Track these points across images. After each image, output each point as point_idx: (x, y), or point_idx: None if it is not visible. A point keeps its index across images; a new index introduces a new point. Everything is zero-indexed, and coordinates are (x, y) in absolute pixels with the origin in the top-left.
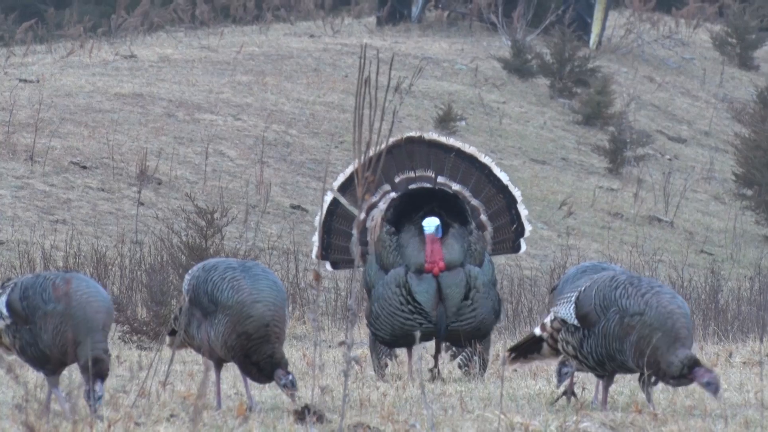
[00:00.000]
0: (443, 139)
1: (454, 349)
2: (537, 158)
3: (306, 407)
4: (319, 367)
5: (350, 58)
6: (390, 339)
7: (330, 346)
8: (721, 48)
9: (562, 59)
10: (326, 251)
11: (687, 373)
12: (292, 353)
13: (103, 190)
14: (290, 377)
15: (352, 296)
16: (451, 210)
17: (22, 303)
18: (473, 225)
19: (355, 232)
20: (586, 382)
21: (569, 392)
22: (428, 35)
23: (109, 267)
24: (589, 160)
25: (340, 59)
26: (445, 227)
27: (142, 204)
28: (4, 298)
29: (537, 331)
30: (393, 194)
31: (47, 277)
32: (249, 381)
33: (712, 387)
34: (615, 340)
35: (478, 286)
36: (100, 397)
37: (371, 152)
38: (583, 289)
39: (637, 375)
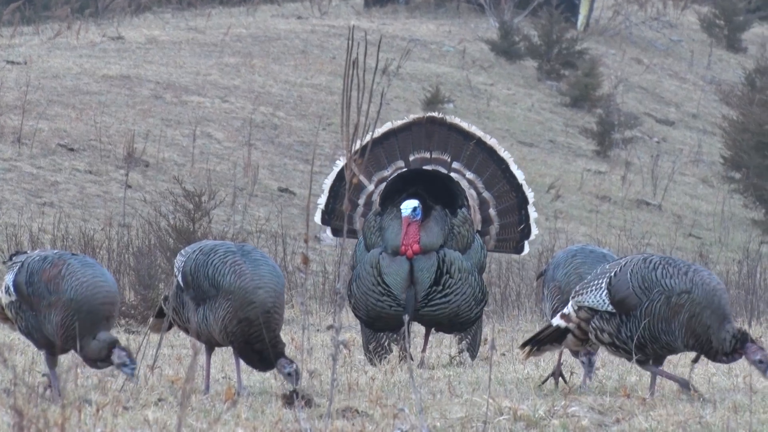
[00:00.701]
0: (465, 125)
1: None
2: (524, 141)
3: (294, 391)
4: (307, 351)
5: (338, 40)
6: (366, 320)
7: (318, 330)
8: (708, 30)
9: (549, 41)
10: (329, 216)
11: (739, 347)
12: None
13: (90, 172)
14: (294, 366)
15: (340, 280)
16: (440, 193)
17: (28, 288)
18: (463, 208)
19: (361, 201)
20: (575, 367)
21: (557, 375)
22: (416, 17)
23: (97, 250)
24: (576, 142)
25: (327, 41)
26: (427, 210)
27: (130, 187)
28: (11, 275)
29: (558, 322)
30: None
31: (52, 262)
32: (241, 365)
33: (764, 365)
34: (661, 321)
35: (453, 271)
36: (127, 365)
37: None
38: (613, 274)
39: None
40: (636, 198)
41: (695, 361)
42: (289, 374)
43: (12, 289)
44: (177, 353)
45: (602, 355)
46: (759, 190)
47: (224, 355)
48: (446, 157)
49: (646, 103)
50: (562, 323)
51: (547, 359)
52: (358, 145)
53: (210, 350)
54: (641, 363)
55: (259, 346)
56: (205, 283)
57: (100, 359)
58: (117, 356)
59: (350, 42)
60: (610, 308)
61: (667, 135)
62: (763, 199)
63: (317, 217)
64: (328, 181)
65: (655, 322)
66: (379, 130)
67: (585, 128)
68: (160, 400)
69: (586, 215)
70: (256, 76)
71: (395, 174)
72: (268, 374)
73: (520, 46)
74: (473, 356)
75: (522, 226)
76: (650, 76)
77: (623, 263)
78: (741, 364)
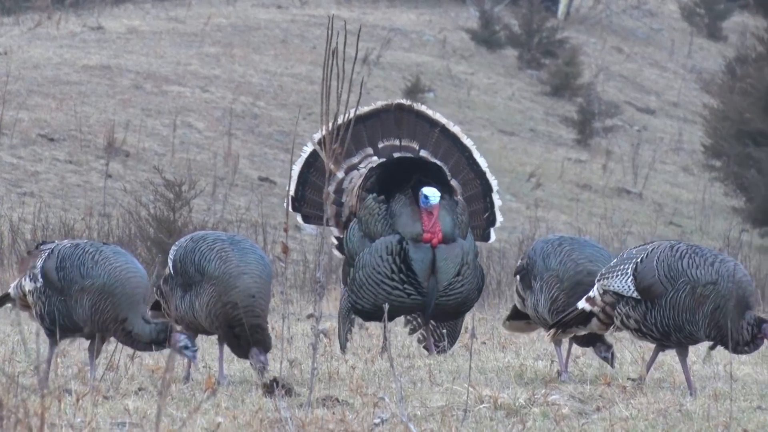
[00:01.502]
0: (430, 113)
1: (414, 323)
2: (505, 129)
3: (275, 380)
4: (287, 340)
5: (318, 30)
6: (371, 309)
7: (298, 319)
8: (689, 18)
9: (530, 30)
10: (299, 203)
11: (757, 332)
12: None
13: (70, 162)
14: (262, 362)
15: (320, 269)
16: (437, 181)
17: (59, 273)
18: (458, 196)
19: (331, 188)
20: (554, 355)
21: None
22: (396, 6)
23: (77, 239)
24: (557, 131)
25: (307, 30)
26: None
27: (110, 176)
28: (39, 262)
29: (584, 305)
30: (375, 158)
31: (85, 249)
32: (224, 353)
33: None
34: (686, 311)
35: (469, 261)
36: (188, 348)
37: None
38: (639, 260)
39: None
40: (617, 186)
41: (712, 348)
42: (256, 367)
43: (39, 275)
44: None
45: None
46: (739, 178)
47: (205, 344)
48: (415, 145)
49: (626, 92)
50: (587, 306)
51: (528, 347)
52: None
53: (193, 338)
54: (661, 350)
55: (239, 331)
56: (192, 268)
57: (156, 342)
58: (179, 340)
59: (330, 31)
60: (635, 294)
61: (647, 123)
62: (743, 187)
63: (288, 204)
64: (296, 168)
65: (679, 312)
66: (345, 116)
67: (565, 117)
68: (140, 389)
69: (566, 203)
70: (236, 65)
71: (390, 160)
72: (248, 363)
73: (501, 36)
74: (452, 344)
75: (487, 214)
76: (631, 65)
77: (650, 249)
78: (722, 352)
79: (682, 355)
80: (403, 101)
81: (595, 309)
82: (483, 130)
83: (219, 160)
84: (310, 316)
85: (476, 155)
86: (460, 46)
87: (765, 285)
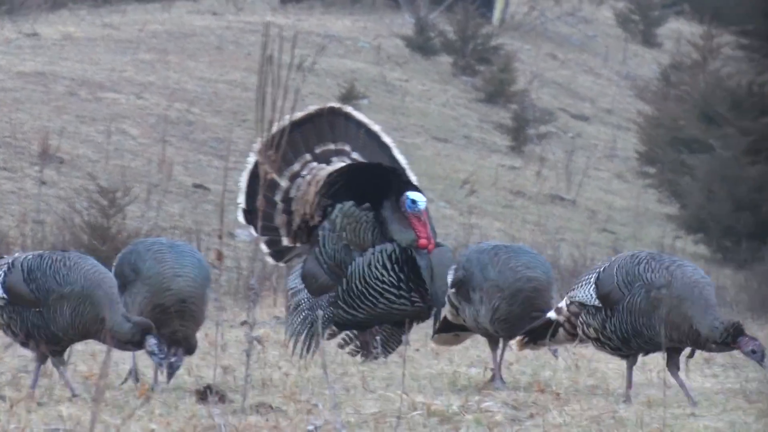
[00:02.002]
0: (356, 114)
1: (346, 335)
2: (439, 136)
3: (208, 387)
4: (221, 346)
5: (253, 36)
6: (364, 319)
7: (232, 326)
8: (624, 25)
9: (465, 37)
10: (252, 215)
11: (731, 340)
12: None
13: (4, 169)
14: (161, 356)
15: (254, 276)
16: (400, 185)
17: (29, 285)
18: None
19: (278, 198)
20: (488, 362)
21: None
22: (331, 12)
23: (11, 247)
24: (491, 138)
25: (243, 37)
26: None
27: (44, 183)
28: None
29: (552, 315)
30: (315, 164)
31: (53, 257)
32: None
33: (758, 355)
34: (642, 315)
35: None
36: (156, 354)
37: (288, 120)
38: (602, 269)
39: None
40: (550, 193)
41: (690, 356)
42: (151, 353)
43: (1, 291)
44: (91, 349)
45: (515, 349)
46: (673, 185)
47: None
48: (347, 148)
49: (560, 99)
50: (554, 316)
51: (461, 355)
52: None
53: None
54: (624, 358)
55: (166, 332)
56: (127, 268)
57: (131, 342)
58: (149, 344)
59: (265, 38)
60: (596, 303)
61: (581, 130)
62: (677, 194)
63: (240, 217)
64: (243, 179)
65: (636, 317)
66: (282, 123)
67: (500, 124)
68: (74, 395)
69: (500, 210)
70: (171, 72)
71: (351, 166)
72: (181, 370)
73: (435, 42)
74: (388, 353)
75: None
76: (565, 72)
77: (613, 259)
78: (655, 359)
79: (630, 363)
80: (335, 105)
81: (561, 318)
82: (417, 136)
83: (153, 167)
84: (243, 323)
85: (396, 153)
86: (395, 52)
87: None
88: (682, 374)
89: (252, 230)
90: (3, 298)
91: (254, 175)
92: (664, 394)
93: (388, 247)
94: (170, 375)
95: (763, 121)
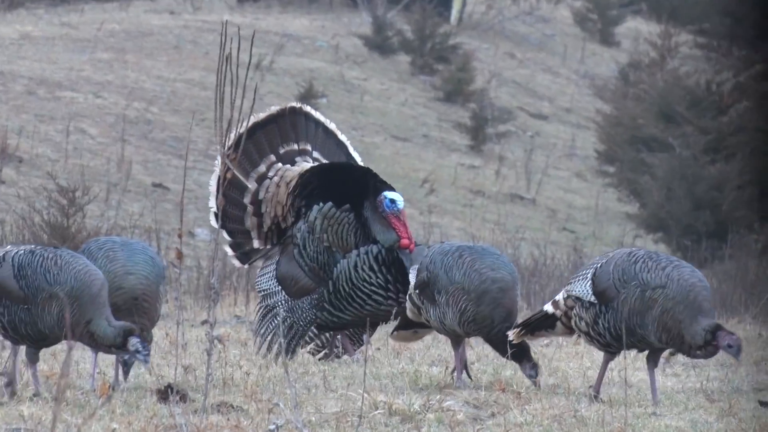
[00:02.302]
0: (313, 112)
1: (319, 340)
2: (398, 135)
3: (169, 386)
4: (182, 346)
5: (211, 35)
6: (350, 320)
7: (192, 325)
8: (582, 24)
9: (423, 36)
10: (222, 219)
11: (711, 339)
12: (155, 332)
13: None
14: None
15: (214, 275)
16: (367, 185)
17: (19, 282)
18: None
19: (246, 200)
20: (449, 361)
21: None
22: (289, 11)
23: None
24: (450, 137)
25: (200, 36)
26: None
27: (3, 182)
28: None
29: (548, 308)
30: (280, 165)
31: (44, 255)
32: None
33: (734, 349)
34: (636, 315)
35: None
36: (140, 351)
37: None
38: (599, 265)
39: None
40: (510, 192)
41: (673, 354)
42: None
43: None
44: (52, 349)
45: (477, 349)
46: (632, 184)
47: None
48: (309, 147)
49: (519, 98)
50: (551, 309)
51: (422, 354)
52: (231, 139)
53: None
54: (611, 355)
55: None
56: None
57: (115, 345)
58: (131, 343)
59: (223, 37)
60: (592, 299)
61: (540, 129)
62: (636, 193)
63: (212, 221)
64: (212, 183)
65: (630, 315)
66: (245, 124)
67: (459, 123)
68: (35, 395)
69: (460, 209)
70: (129, 71)
71: (321, 167)
72: (142, 369)
73: (394, 41)
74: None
75: None
76: (524, 71)
77: (610, 255)
78: (616, 358)
79: (607, 360)
80: (295, 104)
81: (558, 313)
82: (376, 135)
83: (112, 166)
84: (204, 322)
85: (351, 150)
86: (353, 51)
87: None
88: (659, 373)
89: (225, 234)
90: None
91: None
92: (625, 394)
93: (374, 248)
94: (127, 372)
95: (722, 120)
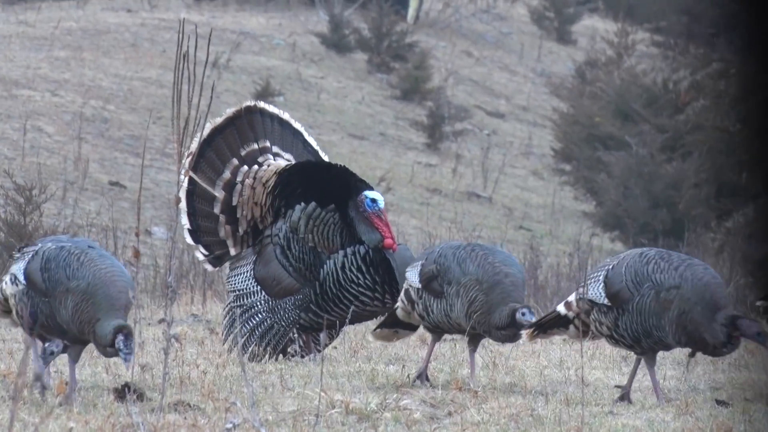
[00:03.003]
0: (267, 106)
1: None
2: (355, 133)
3: (126, 385)
4: (138, 345)
5: (168, 33)
6: (335, 321)
7: (149, 324)
8: (539, 22)
9: (379, 34)
10: (197, 234)
11: (733, 331)
12: None
13: None
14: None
15: (172, 273)
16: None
17: (43, 275)
18: None
19: (216, 210)
20: (407, 361)
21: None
22: (246, 9)
23: None
24: (407, 135)
25: (157, 34)
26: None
27: None
28: (22, 264)
29: (561, 309)
30: (246, 168)
31: (71, 251)
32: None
33: (762, 337)
34: (652, 316)
35: None
36: (128, 352)
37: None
38: (611, 267)
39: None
40: (467, 190)
41: (692, 355)
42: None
43: (22, 277)
44: (9, 347)
45: (436, 348)
46: (589, 182)
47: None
48: (268, 144)
49: (476, 96)
50: (563, 311)
51: (379, 352)
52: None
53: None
54: (639, 355)
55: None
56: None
57: (107, 345)
58: (117, 340)
59: (180, 35)
60: (605, 301)
61: (497, 127)
62: (593, 192)
63: (187, 238)
64: (182, 199)
65: (646, 317)
66: (203, 132)
67: (415, 121)
68: (44, 390)
69: (417, 208)
70: (86, 69)
71: (303, 165)
72: (99, 368)
73: (350, 39)
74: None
75: None
76: (480, 69)
77: (622, 257)
78: (573, 357)
79: (650, 364)
80: (249, 103)
81: (570, 314)
82: (333, 134)
83: (69, 165)
84: (161, 320)
85: (306, 136)
86: (310, 50)
87: None
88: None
89: (202, 249)
90: (22, 284)
91: (191, 194)
92: (582, 392)
93: (361, 249)
94: (47, 361)
95: (679, 118)
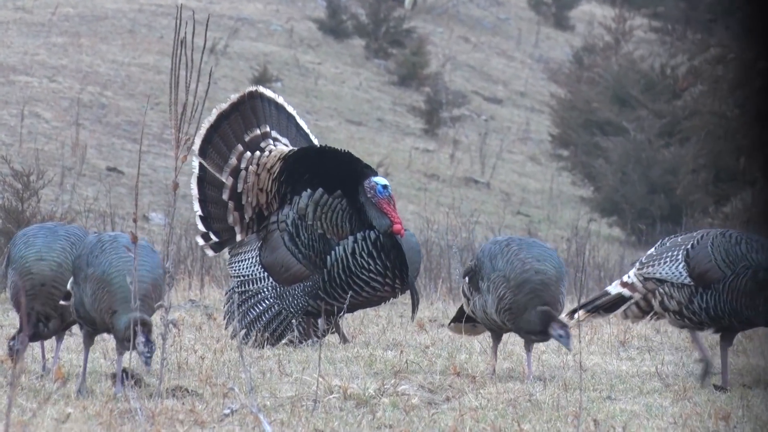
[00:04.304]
0: (267, 92)
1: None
2: (353, 119)
3: (124, 371)
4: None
5: (165, 19)
6: (343, 307)
7: None
8: (536, 8)
9: (377, 20)
10: (208, 221)
11: None
12: None
13: None
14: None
15: (170, 259)
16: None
17: (74, 262)
18: None
19: (225, 197)
20: (404, 345)
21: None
22: None
23: None
24: (405, 121)
25: (155, 20)
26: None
27: None
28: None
29: (621, 290)
30: (249, 154)
31: (102, 239)
32: (62, 345)
33: None
34: (745, 296)
35: None
36: (149, 355)
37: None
38: (690, 246)
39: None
40: (464, 176)
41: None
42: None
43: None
44: (7, 332)
45: (431, 333)
46: (587, 167)
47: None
48: (268, 128)
49: (473, 82)
50: (627, 292)
51: (377, 338)
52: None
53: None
54: (692, 331)
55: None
56: (12, 251)
57: (126, 339)
58: (137, 343)
59: (178, 21)
60: (687, 281)
61: (495, 113)
62: (590, 177)
63: (199, 225)
64: (193, 186)
65: (738, 296)
66: (210, 118)
67: (413, 107)
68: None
69: (414, 193)
70: (83, 55)
71: (301, 152)
72: (97, 353)
73: (348, 25)
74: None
75: None
76: (478, 55)
77: (698, 236)
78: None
79: (725, 344)
80: (252, 88)
81: (636, 296)
82: (330, 119)
83: (67, 150)
84: (159, 306)
85: (299, 120)
86: (308, 35)
87: (613, 275)
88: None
89: (212, 235)
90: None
91: (201, 180)
92: (580, 378)
93: (372, 234)
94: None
95: (677, 104)
